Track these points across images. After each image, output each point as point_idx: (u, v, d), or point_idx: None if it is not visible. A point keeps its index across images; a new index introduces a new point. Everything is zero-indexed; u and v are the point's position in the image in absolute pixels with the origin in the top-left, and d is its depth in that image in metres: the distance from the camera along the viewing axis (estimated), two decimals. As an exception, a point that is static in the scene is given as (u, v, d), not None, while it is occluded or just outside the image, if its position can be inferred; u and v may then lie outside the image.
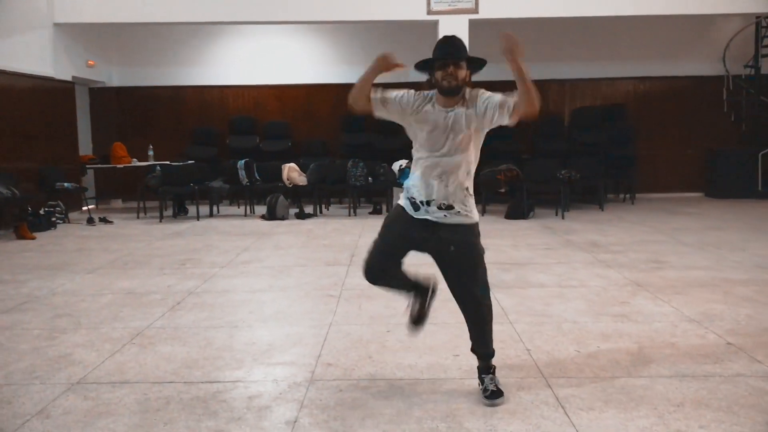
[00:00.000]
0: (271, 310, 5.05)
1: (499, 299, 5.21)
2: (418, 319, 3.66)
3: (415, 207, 3.25)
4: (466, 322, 3.44)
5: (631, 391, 3.36)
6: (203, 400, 3.34)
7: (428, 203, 3.20)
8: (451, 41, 3.19)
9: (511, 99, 3.06)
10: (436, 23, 10.61)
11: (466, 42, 10.24)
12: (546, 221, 9.51)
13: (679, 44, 12.49)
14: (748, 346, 4.00)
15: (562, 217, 9.76)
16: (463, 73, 3.12)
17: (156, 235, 8.77)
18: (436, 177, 3.17)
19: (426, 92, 3.24)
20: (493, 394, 3.24)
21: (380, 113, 3.26)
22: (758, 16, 11.86)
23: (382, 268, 3.47)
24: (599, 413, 3.11)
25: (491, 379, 3.32)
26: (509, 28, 11.17)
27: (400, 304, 5.07)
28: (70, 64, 11.38)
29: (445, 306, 4.89)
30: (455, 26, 10.41)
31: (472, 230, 3.32)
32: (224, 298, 5.39)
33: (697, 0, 10.40)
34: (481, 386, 3.33)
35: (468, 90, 3.19)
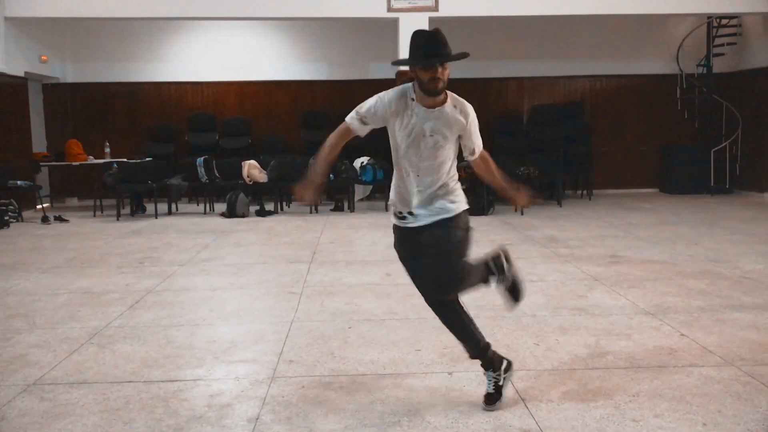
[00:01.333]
0: (232, 307, 5.01)
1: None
2: (514, 290, 3.55)
3: (400, 218, 3.16)
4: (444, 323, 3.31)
5: (589, 382, 3.43)
6: (163, 399, 3.31)
7: (409, 215, 3.12)
8: (438, 38, 2.90)
9: (479, 150, 3.25)
10: (396, 20, 10.63)
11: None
12: (506, 217, 9.62)
13: (634, 43, 12.74)
14: (700, 337, 4.11)
15: (522, 213, 9.88)
16: (448, 72, 2.93)
17: (113, 234, 8.63)
18: (418, 189, 3.07)
19: (402, 88, 3.02)
20: (488, 398, 3.13)
21: (365, 131, 3.15)
22: (710, 17, 12.16)
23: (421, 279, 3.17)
24: (558, 404, 3.18)
25: (491, 378, 3.16)
26: (469, 26, 11.31)
27: (361, 300, 5.11)
28: (23, 60, 11.10)
29: (407, 301, 4.95)
30: (415, 24, 10.44)
31: (451, 224, 3.12)
32: (184, 297, 5.34)
33: (651, 0, 10.62)
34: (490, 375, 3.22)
35: (451, 94, 3.07)
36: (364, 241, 7.76)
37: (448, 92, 3.03)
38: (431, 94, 2.92)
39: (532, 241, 7.64)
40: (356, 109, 3.08)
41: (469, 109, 3.10)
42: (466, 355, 3.30)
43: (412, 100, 2.98)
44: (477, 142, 3.18)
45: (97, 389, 3.44)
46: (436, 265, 3.01)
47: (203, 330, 4.45)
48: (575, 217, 9.52)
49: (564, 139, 11.99)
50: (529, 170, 10.42)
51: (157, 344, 4.16)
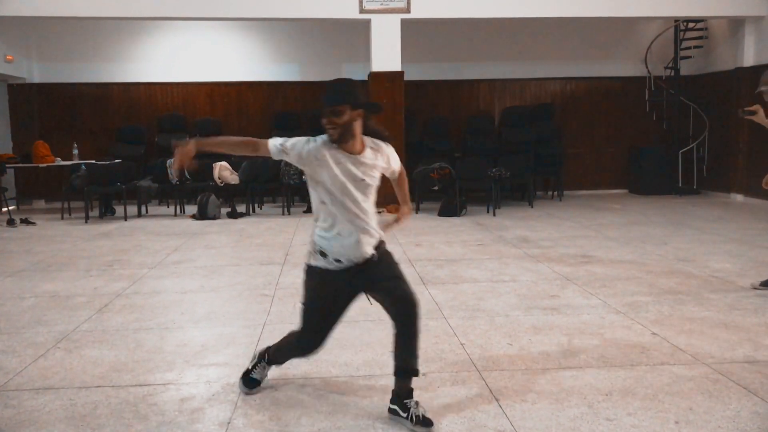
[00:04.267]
0: (203, 310, 4.95)
1: (433, 295, 5.26)
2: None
3: (338, 261, 3.02)
4: (402, 334, 3.03)
5: (562, 381, 3.44)
6: (132, 404, 3.25)
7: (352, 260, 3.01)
8: (332, 87, 2.99)
9: (398, 168, 3.32)
10: (368, 22, 10.62)
11: (397, 41, 10.31)
12: (478, 218, 9.65)
13: (603, 46, 12.88)
14: (671, 336, 4.15)
15: (494, 214, 9.92)
16: (345, 117, 2.90)
17: (81, 237, 8.48)
18: (356, 232, 2.98)
19: (316, 139, 3.01)
20: (426, 422, 2.95)
21: (278, 157, 3.08)
22: (677, 20, 12.33)
23: (327, 335, 3.17)
24: (532, 404, 3.18)
25: (417, 404, 3.01)
26: (441, 28, 11.36)
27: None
28: (-13, 59, 10.89)
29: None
30: (387, 25, 10.47)
31: (383, 245, 3.14)
32: (154, 300, 5.26)
33: (620, 3, 10.74)
34: (404, 414, 2.99)
35: (368, 139, 3.07)
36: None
37: (364, 137, 3.05)
38: (333, 141, 2.96)
39: (504, 241, 7.67)
40: (284, 140, 3.04)
41: (385, 147, 3.15)
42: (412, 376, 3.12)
43: (330, 146, 2.98)
44: (395, 167, 3.27)
45: (64, 395, 3.37)
46: (404, 279, 3.10)
47: (174, 333, 4.38)
48: (546, 218, 9.58)
49: (535, 141, 12.07)
50: (500, 171, 10.46)
51: (126, 348, 4.08)
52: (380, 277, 3.04)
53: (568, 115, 12.87)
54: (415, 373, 3.06)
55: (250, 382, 3.38)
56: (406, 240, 7.80)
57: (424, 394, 3.31)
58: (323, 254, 3.01)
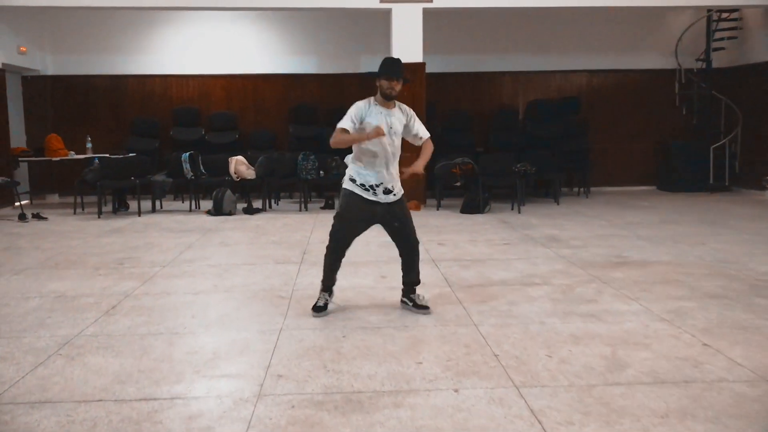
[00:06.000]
0: (216, 313, 4.65)
1: (460, 299, 4.92)
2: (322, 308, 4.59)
3: (366, 190, 4.37)
4: (406, 262, 4.62)
5: (611, 401, 3.10)
6: (135, 421, 2.94)
7: (377, 186, 4.36)
8: (395, 63, 4.38)
9: (425, 136, 4.62)
10: (389, 12, 10.27)
11: (419, 32, 9.96)
12: (502, 215, 9.28)
13: (631, 37, 12.44)
14: (725, 347, 3.79)
15: (519, 212, 9.55)
16: (399, 87, 4.33)
17: (93, 233, 8.22)
18: (383, 165, 4.35)
19: (366, 100, 4.39)
20: (425, 308, 4.57)
21: (354, 129, 4.30)
22: (709, 10, 11.88)
23: (349, 244, 4.57)
24: (580, 428, 2.83)
25: (420, 297, 4.66)
26: (463, 18, 10.92)
27: (355, 305, 4.76)
28: None
29: (404, 306, 4.59)
30: (409, 15, 10.12)
31: (403, 201, 4.52)
32: (164, 301, 4.97)
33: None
34: (410, 304, 4.62)
35: (398, 102, 4.45)
36: (356, 241, 7.37)
37: (400, 104, 4.49)
38: (387, 98, 4.35)
39: (532, 240, 7.31)
40: (345, 118, 4.30)
41: (409, 110, 4.55)
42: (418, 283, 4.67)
43: (372, 103, 4.39)
44: (418, 130, 4.55)
45: (61, 410, 3.07)
46: (410, 224, 4.57)
47: (183, 339, 4.08)
48: (574, 216, 9.20)
49: (560, 136, 11.67)
50: (525, 167, 10.08)
51: (132, 355, 3.78)
52: (394, 217, 4.47)
53: (594, 109, 12.45)
54: (418, 283, 4.69)
55: (315, 308, 4.56)
56: (428, 238, 7.46)
57: (458, 414, 2.97)
58: (359, 183, 4.40)
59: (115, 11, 11.64)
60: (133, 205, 10.21)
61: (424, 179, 10.22)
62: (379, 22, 11.28)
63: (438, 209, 9.95)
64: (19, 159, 10.95)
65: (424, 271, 5.80)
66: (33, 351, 3.88)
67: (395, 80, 4.27)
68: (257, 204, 10.25)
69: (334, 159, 10.24)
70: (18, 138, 11.62)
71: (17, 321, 4.50)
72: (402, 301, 4.70)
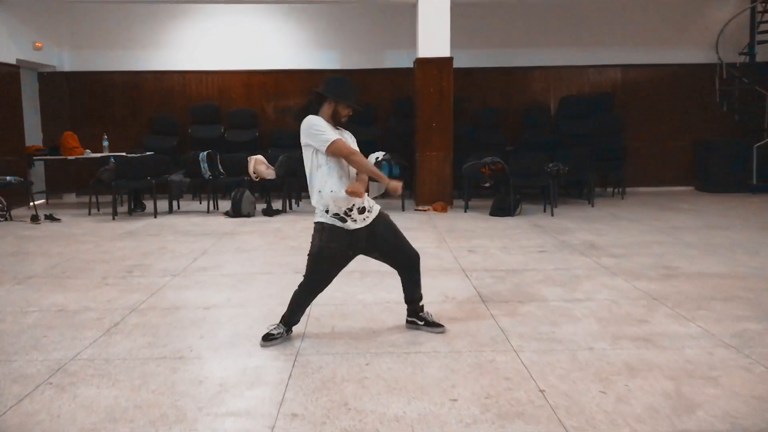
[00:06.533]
0: (227, 333, 4.22)
1: (496, 317, 4.45)
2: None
3: (342, 220, 3.85)
4: (408, 281, 4.13)
5: (684, 455, 2.61)
6: (124, 476, 2.52)
7: (350, 211, 3.84)
8: (351, 87, 4.03)
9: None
10: (415, 4, 9.80)
11: (447, 25, 9.47)
12: (534, 218, 8.78)
13: (669, 30, 11.83)
14: (807, 383, 3.28)
15: (552, 214, 9.03)
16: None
17: (105, 236, 7.86)
18: (349, 181, 3.84)
19: (318, 118, 3.92)
20: (439, 325, 4.14)
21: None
22: (754, 1, 11.24)
23: (328, 284, 4.04)
24: (652, 495, 2.36)
25: (430, 314, 4.22)
26: (491, 11, 10.24)
27: (380, 324, 4.31)
28: (14, 46, 10.37)
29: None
30: (436, 8, 9.63)
31: (384, 216, 4.03)
32: (172, 318, 4.55)
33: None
34: (420, 323, 4.16)
35: None
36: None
37: None
38: (340, 124, 4.00)
39: (569, 247, 6.80)
40: (325, 133, 3.81)
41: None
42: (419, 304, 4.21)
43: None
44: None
45: (41, 457, 2.66)
46: (402, 238, 4.06)
47: (188, 366, 3.65)
48: (611, 219, 8.66)
49: (594, 133, 11.11)
50: (557, 166, 9.55)
51: (129, 386, 3.37)
52: (379, 238, 4.00)
53: (630, 105, 11.87)
54: (420, 298, 4.20)
55: (266, 336, 4.00)
56: (457, 244, 6.99)
57: (503, 471, 2.51)
58: (332, 213, 3.90)
59: (133, 5, 11.32)
60: (149, 205, 9.85)
61: (450, 180, 9.77)
62: (405, 15, 10.84)
63: (466, 211, 9.47)
64: (34, 158, 10.66)
65: (455, 282, 5.36)
66: (21, 379, 3.48)
67: (351, 108, 3.95)
68: (277, 205, 9.84)
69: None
70: (34, 136, 11.35)
71: (10, 340, 4.11)
72: (409, 322, 4.22)
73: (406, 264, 4.07)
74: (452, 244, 6.99)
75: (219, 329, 4.30)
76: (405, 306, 4.24)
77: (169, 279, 5.67)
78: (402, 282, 4.14)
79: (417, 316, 4.18)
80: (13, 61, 10.32)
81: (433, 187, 9.82)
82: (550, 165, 9.54)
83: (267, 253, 6.76)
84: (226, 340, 4.07)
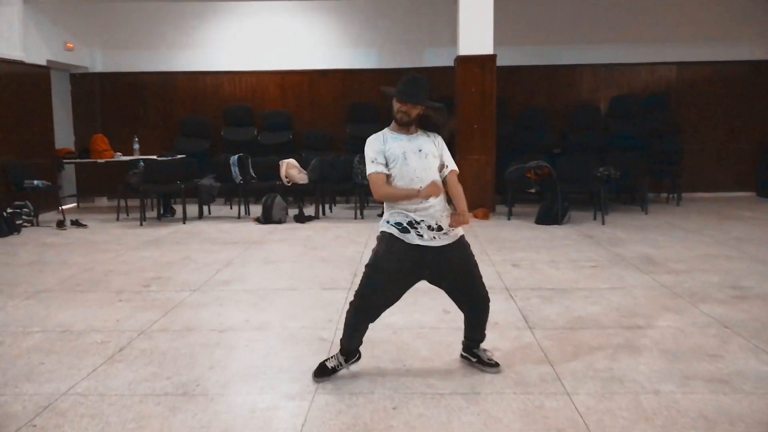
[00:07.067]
0: (240, 363, 3.77)
1: (544, 348, 3.91)
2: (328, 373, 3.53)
3: (405, 231, 3.34)
4: (472, 320, 3.60)
5: None
6: None
7: (418, 223, 3.34)
8: (416, 83, 3.41)
9: (451, 166, 3.49)
10: (455, 0, 9.26)
11: (490, 20, 8.91)
12: (584, 227, 8.17)
13: (728, 25, 11.03)
14: None
15: (602, 222, 8.41)
16: (416, 112, 3.40)
17: (129, 244, 7.52)
18: (419, 200, 3.33)
19: (379, 134, 3.47)
20: (495, 364, 3.56)
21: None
22: (823, -8, 10.44)
23: (385, 305, 3.46)
24: None
25: (485, 351, 3.66)
26: (537, 5, 9.44)
27: (412, 354, 3.81)
28: (45, 47, 10.15)
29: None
30: (478, 2, 9.07)
31: (463, 244, 3.47)
32: (182, 342, 4.12)
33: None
34: (473, 360, 3.61)
35: (422, 130, 3.50)
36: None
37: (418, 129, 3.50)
38: (402, 124, 3.44)
39: (624, 262, 6.19)
40: (369, 162, 3.40)
41: (436, 136, 3.54)
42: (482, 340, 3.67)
43: (391, 132, 3.48)
44: (449, 160, 3.52)
45: None
46: (477, 274, 3.50)
47: (191, 405, 3.20)
48: (667, 229, 8.00)
49: (648, 136, 10.42)
50: (608, 171, 8.92)
51: (120, 430, 2.93)
52: (451, 268, 3.46)
53: (686, 105, 11.13)
54: (483, 339, 3.66)
55: (318, 370, 3.51)
56: (500, 257, 6.44)
57: None
58: (393, 222, 3.42)
59: (165, 4, 11.01)
60: (179, 210, 9.52)
61: (492, 185, 9.22)
62: (445, 10, 10.32)
63: (509, 218, 8.89)
64: (64, 161, 10.43)
65: (496, 304, 4.82)
66: (3, 419, 3.08)
67: (410, 104, 3.37)
68: (309, 211, 9.41)
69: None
70: (66, 138, 11.16)
71: (4, 367, 3.73)
72: (463, 356, 3.72)
73: (474, 306, 3.55)
74: (495, 257, 6.45)
75: (232, 358, 3.85)
76: (440, 332, 3.83)
77: (187, 295, 5.26)
78: (465, 319, 3.64)
79: (470, 353, 3.67)
80: (44, 62, 10.10)
81: (474, 193, 9.24)
82: (601, 169, 8.91)
83: (294, 265, 6.31)
84: (238, 372, 3.62)
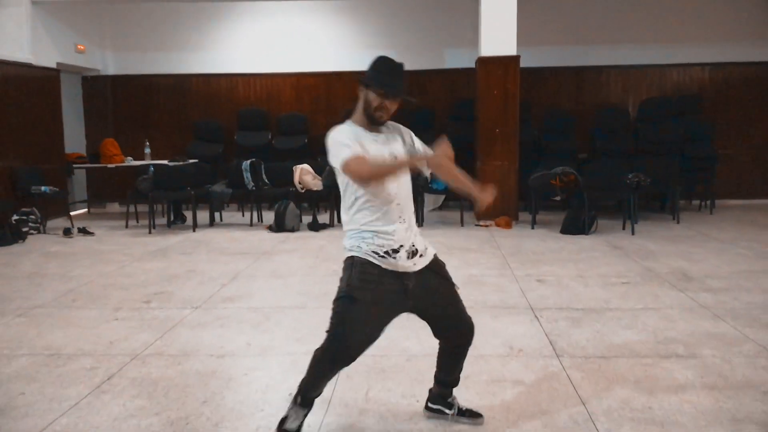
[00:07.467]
0: (237, 396, 3.41)
1: (573, 379, 3.51)
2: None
3: (383, 257, 2.70)
4: (452, 356, 3.02)
5: None
6: None
7: (397, 251, 2.71)
8: (399, 71, 2.76)
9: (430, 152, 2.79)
10: (477, -2, 8.89)
11: (513, 20, 8.52)
12: (611, 237, 7.73)
13: (764, 24, 10.52)
14: None
15: (632, 232, 7.96)
16: (394, 108, 2.76)
17: (135, 254, 7.22)
18: (399, 214, 2.73)
19: (345, 125, 2.80)
20: (474, 413, 3.07)
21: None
22: None
23: (364, 346, 2.77)
24: None
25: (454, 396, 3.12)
26: (563, 4, 8.85)
27: (425, 387, 3.42)
28: (54, 49, 9.90)
29: (495, 392, 3.22)
30: (501, 1, 8.68)
31: (439, 261, 2.90)
32: (177, 370, 3.78)
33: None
34: (449, 412, 3.07)
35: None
36: (435, 273, 6.04)
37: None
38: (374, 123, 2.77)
39: (658, 278, 5.76)
40: (343, 147, 2.64)
41: (401, 127, 2.93)
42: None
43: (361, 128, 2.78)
44: (423, 146, 2.89)
45: None
46: (458, 297, 2.91)
47: (176, 450, 2.86)
48: (701, 240, 7.54)
49: (680, 140, 9.94)
50: (638, 177, 8.45)
51: (94, 482, 2.59)
52: (432, 291, 2.87)
53: (719, 108, 10.64)
54: (457, 383, 3.10)
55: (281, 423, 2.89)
56: (523, 272, 6.04)
57: None
58: (367, 250, 2.75)
59: (178, 5, 10.74)
60: (191, 216, 9.21)
61: (515, 192, 8.80)
62: (466, 9, 9.94)
63: (533, 228, 8.47)
64: (74, 166, 10.19)
65: (521, 326, 4.46)
66: (-34, 464, 2.76)
67: (392, 99, 2.70)
68: (324, 218, 9.07)
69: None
70: (77, 142, 10.93)
71: (-22, 399, 3.41)
72: (430, 408, 3.12)
73: (456, 337, 2.92)
74: (518, 272, 6.05)
75: (228, 389, 3.49)
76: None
77: (188, 313, 4.92)
78: (440, 356, 3.02)
79: (444, 403, 3.09)
80: (53, 65, 9.85)
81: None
82: (630, 176, 8.44)
83: (304, 279, 5.96)
84: (232, 408, 3.26)
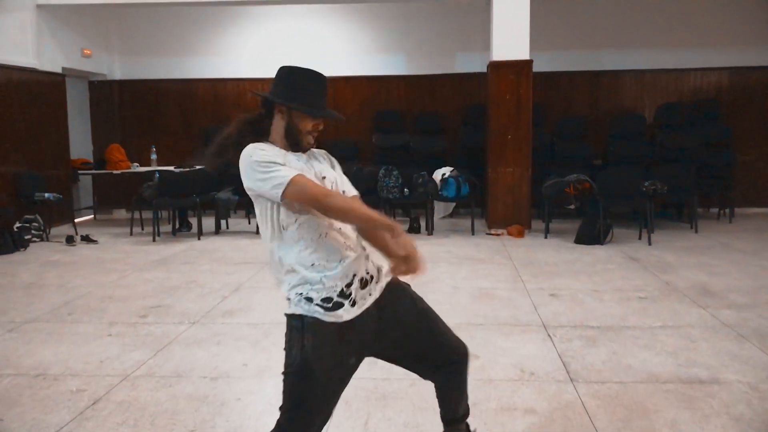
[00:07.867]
0: (229, 425, 3.20)
1: (588, 408, 3.27)
2: None
3: (335, 308, 2.15)
4: (450, 386, 2.51)
5: None
6: None
7: (349, 286, 2.18)
8: (324, 85, 2.30)
9: (352, 192, 2.37)
10: (489, 2, 8.65)
11: (526, 23, 8.29)
12: (628, 248, 7.47)
13: (785, 26, 10.25)
14: None
15: (649, 242, 7.69)
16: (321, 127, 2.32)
17: (137, 263, 7.04)
18: (349, 242, 2.23)
19: (266, 145, 2.22)
20: None
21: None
22: None
23: (325, 420, 2.23)
24: None
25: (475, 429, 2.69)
26: (576, 6, 8.49)
27: (429, 416, 3.19)
28: (60, 53, 9.78)
29: (506, 421, 2.99)
30: (513, 5, 8.46)
31: (401, 285, 2.40)
32: (167, 393, 3.57)
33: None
34: None
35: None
36: (443, 285, 5.82)
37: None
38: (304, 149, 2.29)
39: (677, 293, 5.50)
40: (271, 174, 2.08)
41: (326, 153, 2.46)
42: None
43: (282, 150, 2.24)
44: (347, 185, 2.40)
45: None
46: (438, 319, 2.44)
47: (158, 488, 2.65)
48: (721, 250, 7.26)
49: (698, 147, 9.65)
50: (655, 185, 8.17)
51: None
52: (402, 323, 2.39)
53: (738, 113, 10.33)
54: (468, 413, 2.60)
55: None
56: (535, 285, 5.80)
57: None
58: (318, 301, 2.19)
59: (185, 8, 10.58)
60: (196, 224, 9.04)
61: (528, 199, 8.56)
62: (477, 13, 9.72)
63: (546, 237, 8.22)
64: (79, 172, 10.05)
65: (533, 346, 4.22)
66: (-69, 502, 2.56)
67: (320, 121, 2.27)
68: (332, 227, 8.85)
69: (422, 175, 8.72)
70: (84, 148, 10.81)
71: (-45, 426, 3.23)
72: None
73: (448, 364, 2.42)
74: (530, 285, 5.81)
75: (219, 416, 3.29)
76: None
77: (185, 328, 4.72)
78: (439, 393, 2.51)
79: None
80: (59, 70, 9.72)
81: (507, 208, 8.63)
82: (647, 183, 8.17)
83: (308, 291, 5.75)
84: (223, 438, 3.06)
